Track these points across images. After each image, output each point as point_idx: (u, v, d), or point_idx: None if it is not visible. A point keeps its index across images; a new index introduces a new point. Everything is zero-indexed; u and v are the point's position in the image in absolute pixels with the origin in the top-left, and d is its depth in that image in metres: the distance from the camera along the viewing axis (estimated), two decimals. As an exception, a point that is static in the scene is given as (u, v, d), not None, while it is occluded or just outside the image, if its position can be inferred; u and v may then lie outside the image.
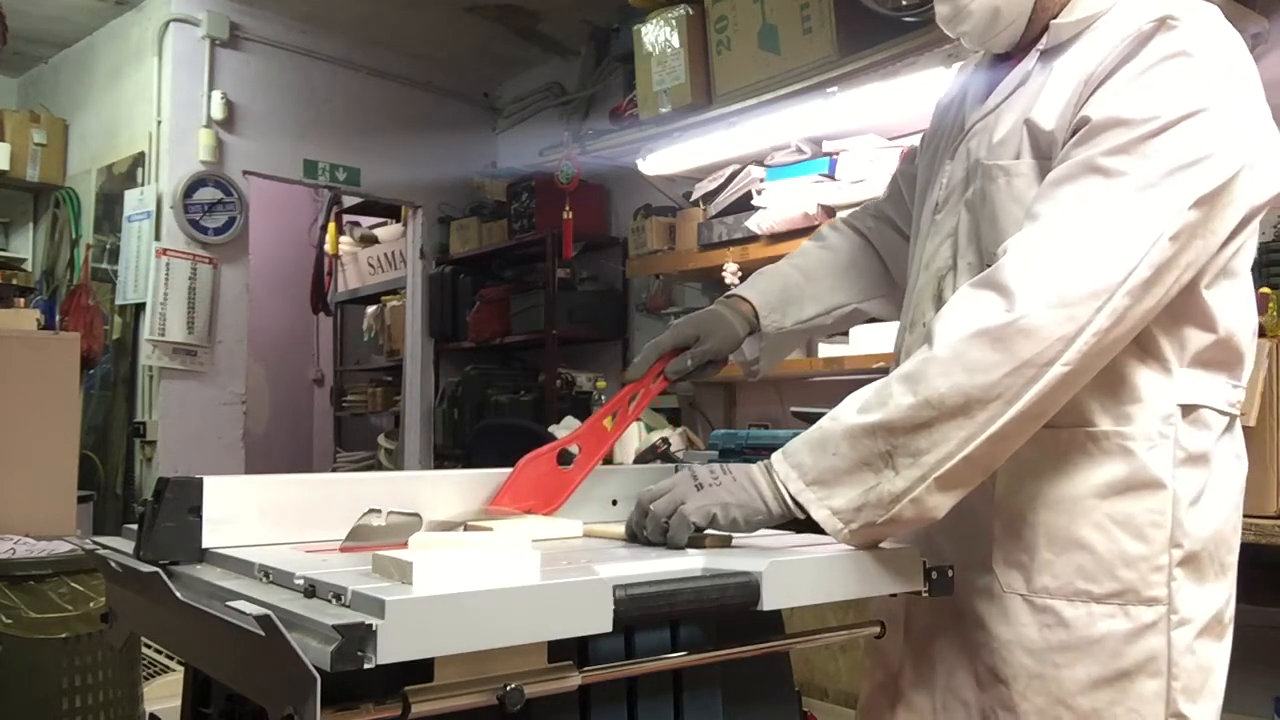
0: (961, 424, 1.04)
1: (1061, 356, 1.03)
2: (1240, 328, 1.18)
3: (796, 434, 2.88)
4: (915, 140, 3.05)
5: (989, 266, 1.12)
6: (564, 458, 1.36)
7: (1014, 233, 1.13)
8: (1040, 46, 1.22)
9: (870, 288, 1.54)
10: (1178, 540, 1.14)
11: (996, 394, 1.03)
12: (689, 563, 1.07)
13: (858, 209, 1.64)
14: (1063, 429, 1.15)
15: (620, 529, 1.26)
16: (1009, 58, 1.29)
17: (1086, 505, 1.15)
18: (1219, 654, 1.18)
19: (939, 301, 1.26)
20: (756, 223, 3.34)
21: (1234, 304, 1.16)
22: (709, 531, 1.14)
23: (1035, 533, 1.17)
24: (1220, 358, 1.17)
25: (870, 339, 3.06)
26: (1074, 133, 1.11)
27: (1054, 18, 1.21)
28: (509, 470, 1.37)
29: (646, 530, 1.16)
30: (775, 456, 1.13)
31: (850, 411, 1.10)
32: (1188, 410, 1.15)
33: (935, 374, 1.05)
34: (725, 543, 1.15)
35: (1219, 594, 1.18)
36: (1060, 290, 1.03)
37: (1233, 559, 1.20)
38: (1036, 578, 1.16)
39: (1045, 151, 1.15)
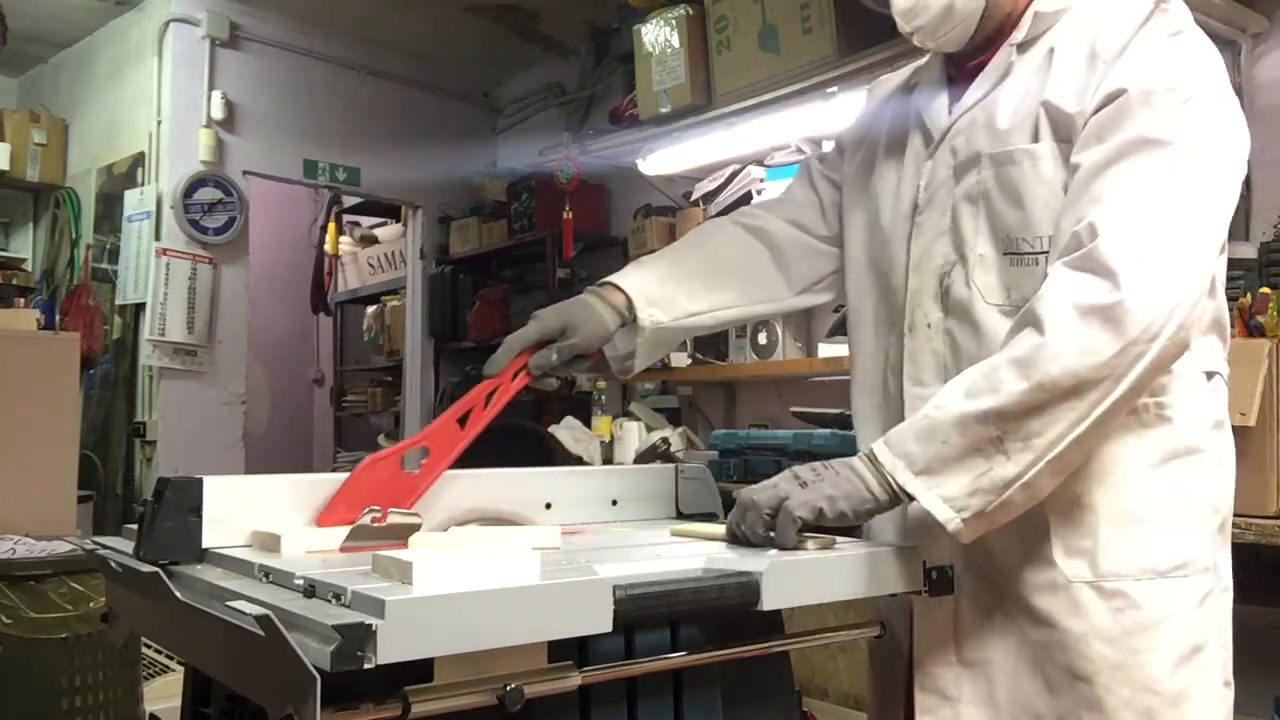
0: (1073, 406, 1.05)
1: (1164, 331, 1.05)
2: (1221, 293, 1.23)
3: (796, 434, 2.85)
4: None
5: (1017, 254, 1.18)
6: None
7: (1046, 215, 1.15)
8: (1016, 39, 1.24)
9: (758, 292, 1.47)
10: (1216, 505, 1.18)
11: (1106, 374, 1.04)
12: (689, 563, 1.07)
13: (744, 208, 1.58)
14: None
15: (712, 529, 1.25)
16: (960, 62, 1.31)
17: (1139, 478, 1.15)
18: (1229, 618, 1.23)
19: (945, 299, 1.24)
20: (756, 223, 3.34)
21: (1219, 269, 1.21)
22: (811, 536, 1.13)
23: (1094, 515, 1.15)
24: (1220, 321, 1.22)
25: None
26: (1097, 110, 1.13)
27: (1013, 13, 1.25)
28: (511, 469, 1.37)
29: (746, 526, 1.14)
30: (878, 446, 1.12)
31: (957, 399, 1.09)
32: (1209, 376, 1.20)
33: (1048, 358, 1.05)
34: (829, 544, 1.14)
35: (1229, 558, 1.23)
36: (1160, 265, 1.06)
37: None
38: (1102, 561, 1.14)
39: (1065, 134, 1.16)
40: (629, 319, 1.37)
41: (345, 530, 1.14)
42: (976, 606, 1.21)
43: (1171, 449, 1.16)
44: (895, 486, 1.10)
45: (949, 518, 1.08)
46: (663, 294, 1.38)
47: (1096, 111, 1.13)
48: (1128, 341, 1.04)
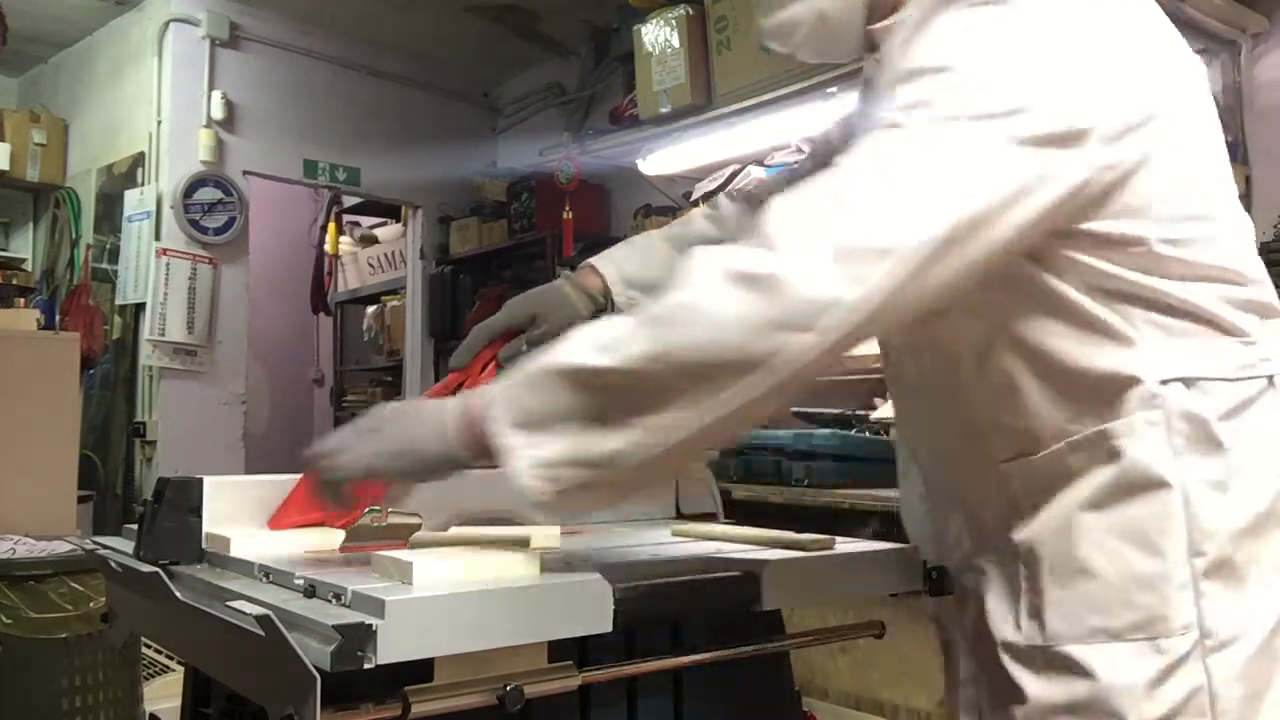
0: (700, 392, 0.85)
1: (827, 317, 0.84)
2: (1222, 271, 0.97)
3: (797, 434, 2.84)
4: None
5: None
6: None
7: None
8: (869, 51, 1.10)
9: None
10: (1198, 546, 0.92)
11: (745, 356, 0.84)
12: (689, 563, 1.07)
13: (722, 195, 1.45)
14: (1050, 450, 0.98)
15: (712, 529, 1.25)
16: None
17: (1082, 521, 0.95)
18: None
19: None
20: (756, 223, 3.34)
21: (1203, 247, 0.97)
22: (811, 536, 1.11)
23: (1041, 567, 0.98)
24: (1210, 314, 0.96)
25: (870, 339, 3.05)
26: None
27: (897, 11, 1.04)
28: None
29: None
30: (479, 398, 0.93)
31: (583, 348, 0.89)
32: (1181, 385, 0.95)
33: (678, 323, 0.86)
34: (828, 545, 1.12)
35: (1269, 598, 0.94)
36: (836, 243, 0.85)
37: None
38: (1050, 621, 0.96)
39: None
40: (605, 304, 1.24)
41: (295, 534, 1.12)
42: (988, 672, 1.06)
43: (1119, 485, 0.94)
44: (482, 430, 0.91)
45: (535, 486, 0.88)
46: (644, 275, 1.24)
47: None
48: (776, 320, 0.84)
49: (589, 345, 0.89)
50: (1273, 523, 0.95)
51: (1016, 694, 0.98)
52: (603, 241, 4.48)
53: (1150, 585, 0.93)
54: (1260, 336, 0.98)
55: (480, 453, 0.92)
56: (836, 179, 0.89)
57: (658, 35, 3.39)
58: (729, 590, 0.99)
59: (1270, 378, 0.97)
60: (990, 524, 1.04)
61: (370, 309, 5.79)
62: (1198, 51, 1.17)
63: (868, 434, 2.94)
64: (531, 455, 0.88)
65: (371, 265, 5.80)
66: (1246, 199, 2.48)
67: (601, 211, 4.58)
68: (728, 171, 3.58)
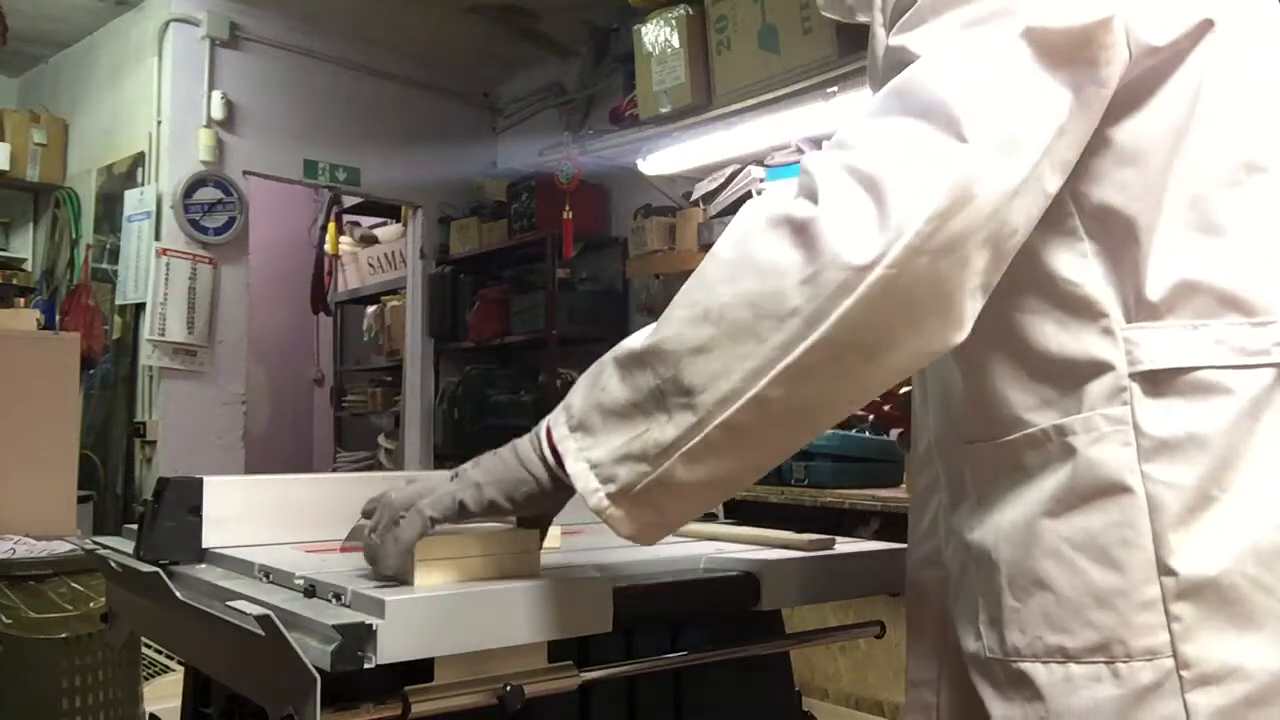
0: (748, 350, 0.77)
1: (884, 258, 0.74)
2: (1238, 238, 0.83)
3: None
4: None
5: None
6: None
7: None
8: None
9: None
10: (1166, 563, 0.80)
11: (789, 308, 0.76)
12: (689, 563, 1.07)
13: None
14: (1006, 439, 0.88)
15: (712, 529, 1.25)
16: None
17: (1038, 528, 0.85)
18: None
19: None
20: (756, 223, 3.34)
21: (1218, 207, 0.83)
22: (810, 536, 1.10)
23: (999, 575, 0.87)
24: (1214, 290, 0.83)
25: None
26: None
27: None
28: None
29: (372, 528, 0.91)
30: (556, 413, 0.86)
31: (639, 333, 0.83)
32: (1159, 377, 0.83)
33: (720, 278, 0.79)
34: (828, 545, 1.12)
35: (1230, 639, 0.80)
36: (881, 176, 0.75)
37: None
38: (1007, 635, 0.86)
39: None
40: None
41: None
42: (950, 690, 0.99)
43: (1073, 487, 0.83)
44: (548, 450, 0.85)
45: (592, 489, 0.81)
46: None
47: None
48: (818, 267, 0.75)
49: (642, 331, 0.83)
50: None
51: (979, 710, 0.89)
52: (603, 241, 4.51)
53: (1107, 602, 0.82)
54: (1270, 311, 0.83)
55: (554, 468, 0.85)
56: (866, 126, 0.80)
57: (658, 35, 3.39)
58: (729, 590, 0.99)
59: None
60: (959, 516, 0.95)
61: (370, 309, 5.79)
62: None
63: (868, 434, 2.94)
64: (586, 458, 0.82)
65: (371, 265, 5.80)
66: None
67: (601, 211, 4.58)
68: (728, 171, 3.58)
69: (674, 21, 3.34)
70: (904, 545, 1.15)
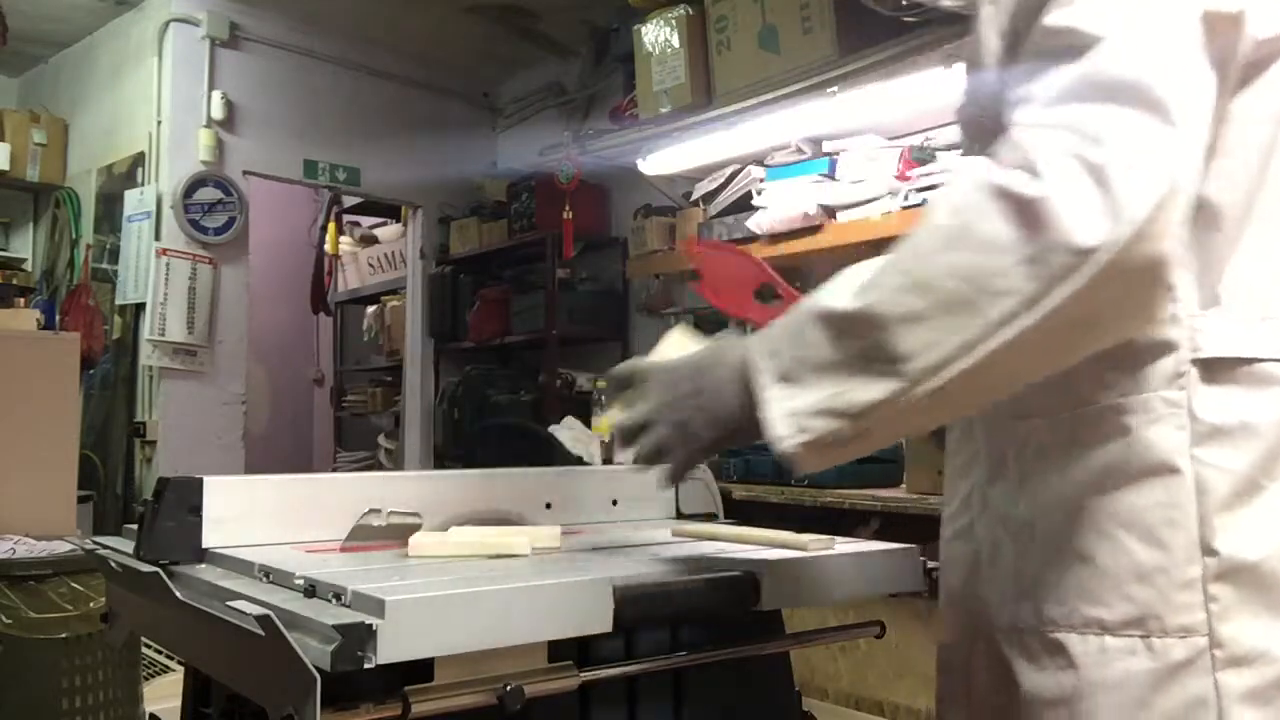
0: (961, 323, 0.78)
1: (1110, 244, 0.74)
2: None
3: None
4: (916, 140, 3.08)
5: None
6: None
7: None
8: None
9: None
10: (1209, 544, 0.85)
11: (1007, 287, 0.76)
12: (689, 563, 1.07)
13: None
14: (1063, 415, 0.92)
15: (712, 529, 1.25)
16: None
17: (1085, 503, 0.89)
18: None
19: None
20: (756, 223, 3.34)
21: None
22: (811, 536, 1.11)
23: (1039, 548, 0.92)
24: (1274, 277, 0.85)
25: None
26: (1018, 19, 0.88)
27: None
28: (511, 469, 1.37)
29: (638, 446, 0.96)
30: (755, 344, 0.88)
31: (845, 288, 0.83)
32: (1219, 366, 0.86)
33: (935, 248, 0.79)
34: (828, 545, 1.13)
35: (1265, 625, 0.84)
36: (1106, 169, 0.74)
37: None
38: (1044, 606, 0.91)
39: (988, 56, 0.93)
40: None
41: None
42: (983, 658, 1.01)
43: (1125, 465, 0.87)
44: (755, 392, 0.87)
45: (785, 437, 0.84)
46: None
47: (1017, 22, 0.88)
48: (1043, 247, 0.75)
49: (849, 286, 0.83)
50: None
51: (1010, 682, 0.93)
52: (603, 241, 4.50)
53: (1147, 579, 0.86)
54: None
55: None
56: (1062, 103, 0.79)
57: (658, 35, 3.39)
58: (729, 590, 0.99)
59: None
60: (997, 491, 0.98)
61: (370, 309, 5.79)
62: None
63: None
64: (785, 406, 0.84)
65: (371, 265, 5.80)
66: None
67: (601, 211, 4.58)
68: (728, 171, 3.58)
69: (674, 21, 3.34)
70: (904, 546, 1.15)
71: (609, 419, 1.04)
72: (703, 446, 0.93)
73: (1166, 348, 0.86)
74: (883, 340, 0.80)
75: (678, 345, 1.06)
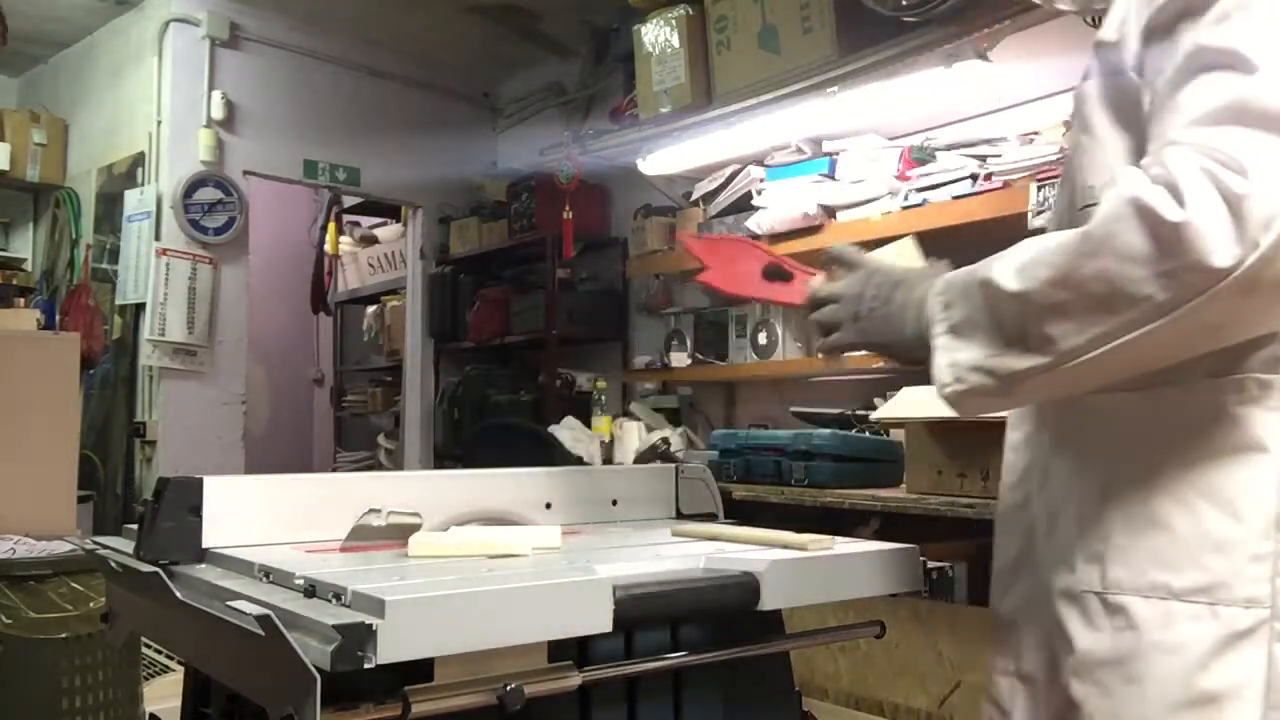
0: (1100, 319, 0.88)
1: (1239, 267, 0.82)
2: None
3: (797, 434, 2.84)
4: (916, 140, 3.08)
5: (1082, 207, 1.02)
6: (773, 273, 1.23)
7: (1088, 161, 1.03)
8: None
9: None
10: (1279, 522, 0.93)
11: (1145, 295, 0.85)
12: (689, 563, 1.07)
13: None
14: (1154, 389, 0.98)
15: (712, 529, 1.25)
16: None
17: (1167, 475, 0.96)
18: None
19: None
20: (756, 222, 3.35)
21: None
22: (811, 536, 1.13)
23: (1111, 514, 0.98)
24: None
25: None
26: (1151, 32, 0.96)
27: None
28: (511, 469, 1.37)
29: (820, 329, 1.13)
30: (937, 288, 1.02)
31: (1009, 266, 0.94)
32: None
33: (1085, 251, 0.88)
34: (828, 545, 1.14)
35: None
36: (1243, 200, 0.82)
37: None
38: (1110, 569, 0.97)
39: (1111, 68, 1.01)
40: None
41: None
42: (1032, 613, 1.08)
43: (1214, 442, 0.95)
44: (929, 336, 1.01)
45: (945, 382, 0.98)
46: None
47: (1149, 28, 0.96)
48: (1178, 265, 0.83)
49: (1012, 264, 0.94)
50: None
51: (1065, 643, 1.00)
52: (603, 241, 4.50)
53: (1221, 549, 0.93)
54: None
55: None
56: (1205, 133, 0.86)
57: (658, 35, 3.39)
58: (729, 590, 0.99)
59: None
60: (1063, 461, 1.06)
61: (370, 309, 5.79)
62: None
63: (868, 434, 2.94)
64: (950, 356, 0.98)
65: (371, 265, 5.80)
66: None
67: (601, 211, 4.58)
68: (728, 171, 3.58)
69: (674, 21, 3.34)
70: (904, 546, 1.16)
71: (814, 284, 1.16)
72: (867, 343, 1.08)
73: (1267, 335, 0.94)
74: (1034, 323, 0.92)
75: (899, 253, 1.17)
